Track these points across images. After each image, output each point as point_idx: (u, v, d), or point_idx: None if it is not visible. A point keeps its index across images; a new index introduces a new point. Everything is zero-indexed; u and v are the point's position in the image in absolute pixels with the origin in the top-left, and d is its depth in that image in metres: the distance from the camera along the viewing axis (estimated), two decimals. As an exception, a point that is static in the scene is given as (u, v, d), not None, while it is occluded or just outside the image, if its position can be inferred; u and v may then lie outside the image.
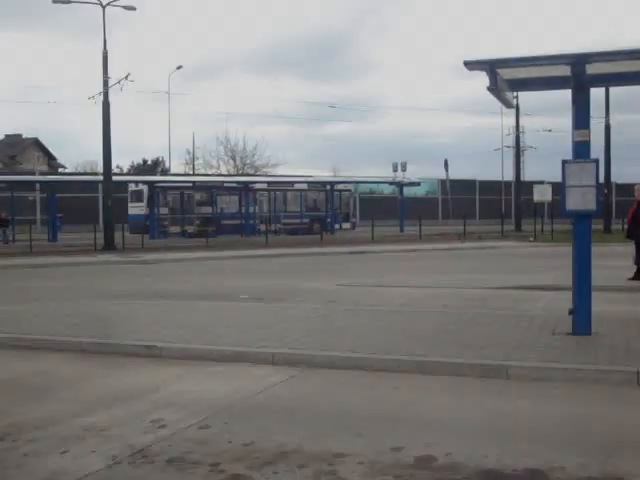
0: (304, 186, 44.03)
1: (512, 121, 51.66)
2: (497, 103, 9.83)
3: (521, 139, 54.19)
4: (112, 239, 30.24)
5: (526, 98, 49.91)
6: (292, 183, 44.83)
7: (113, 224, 30.66)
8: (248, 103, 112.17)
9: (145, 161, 77.76)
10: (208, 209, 40.59)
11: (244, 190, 41.36)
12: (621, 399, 6.72)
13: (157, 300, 13.51)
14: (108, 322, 10.82)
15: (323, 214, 43.56)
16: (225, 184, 42.83)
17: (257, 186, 42.73)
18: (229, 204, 41.44)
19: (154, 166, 74.47)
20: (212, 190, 41.28)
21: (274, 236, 37.37)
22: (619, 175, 55.96)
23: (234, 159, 65.23)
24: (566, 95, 9.09)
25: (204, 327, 10.08)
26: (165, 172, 63.27)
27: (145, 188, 39.65)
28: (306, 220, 42.29)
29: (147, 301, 13.39)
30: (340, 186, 45.78)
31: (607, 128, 42.70)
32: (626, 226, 16.80)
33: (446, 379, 7.45)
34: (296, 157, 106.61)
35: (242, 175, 44.65)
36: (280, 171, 62.90)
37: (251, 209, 40.90)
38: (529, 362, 7.62)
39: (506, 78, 8.91)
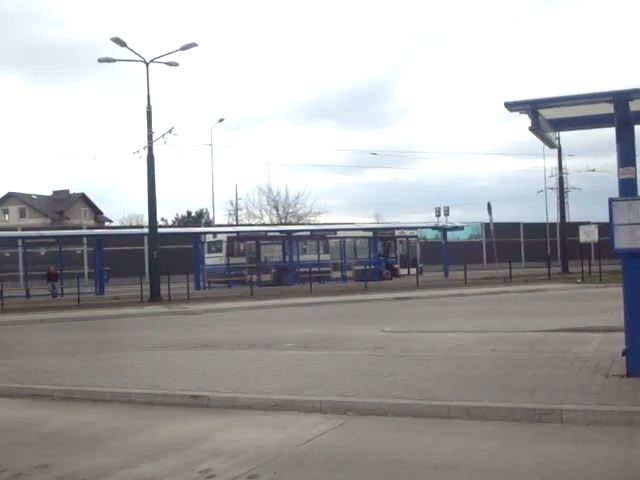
0: (371, 234, 44.83)
1: (554, 163, 51.46)
2: (538, 145, 9.88)
3: (564, 180, 53.78)
4: (158, 290, 30.50)
5: (568, 139, 49.71)
6: (361, 230, 45.96)
7: (159, 276, 30.96)
8: (289, 153, 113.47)
9: (189, 213, 78.83)
10: (283, 257, 41.50)
11: (316, 238, 42.42)
12: (682, 442, 6.50)
13: (203, 350, 13.55)
14: (156, 373, 10.84)
15: (393, 260, 44.46)
16: (295, 233, 43.17)
17: (328, 235, 43.74)
18: (301, 252, 42.02)
19: (198, 218, 75.43)
20: (284, 240, 41.91)
21: (341, 282, 38.38)
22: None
23: (277, 208, 65.77)
24: (608, 134, 9.02)
25: (250, 376, 10.05)
26: (209, 223, 63.95)
27: (225, 238, 40.24)
28: (376, 266, 42.52)
29: (194, 351, 13.43)
30: (407, 232, 46.54)
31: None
32: None
33: (498, 424, 7.30)
34: (338, 205, 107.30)
35: (299, 224, 44.46)
36: (322, 219, 63.18)
37: (323, 257, 41.49)
38: (583, 405, 7.42)
39: (548, 118, 8.88)
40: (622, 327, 9.05)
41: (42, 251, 38.10)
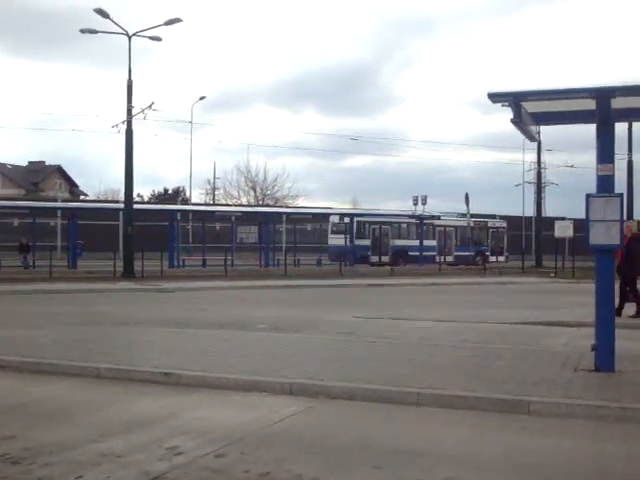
0: (471, 223, 48.68)
1: (533, 157, 51.76)
2: (518, 139, 9.89)
3: (542, 175, 54.10)
4: (132, 267, 30.34)
5: (547, 134, 49.99)
6: (462, 219, 49.24)
7: (133, 252, 30.77)
8: (270, 134, 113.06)
9: (166, 190, 78.31)
10: (401, 242, 44.32)
11: (425, 225, 45.47)
12: (646, 438, 6.58)
13: (175, 328, 13.50)
14: (125, 348, 10.78)
15: (486, 247, 48.73)
16: (411, 218, 46.14)
17: (436, 222, 46.78)
18: (413, 237, 45.10)
19: (175, 195, 74.95)
20: (401, 225, 45.42)
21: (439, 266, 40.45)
22: (640, 213, 55.74)
23: (254, 190, 65.53)
24: (587, 131, 9.06)
25: (221, 356, 10.04)
26: (185, 202, 63.59)
27: (354, 221, 43.38)
28: (472, 253, 46.94)
29: (165, 329, 13.37)
30: (498, 223, 51.08)
31: (630, 164, 42.58)
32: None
33: (466, 413, 7.34)
34: (316, 189, 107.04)
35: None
36: (300, 203, 63.10)
37: (431, 242, 44.79)
38: (551, 398, 7.49)
39: (530, 111, 8.88)
40: (592, 322, 9.13)
41: (15, 222, 37.66)
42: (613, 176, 8.83)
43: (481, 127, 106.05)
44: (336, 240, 43.16)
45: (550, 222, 41.37)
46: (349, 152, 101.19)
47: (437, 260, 42.94)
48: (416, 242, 43.75)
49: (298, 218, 44.41)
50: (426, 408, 7.54)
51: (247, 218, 43.43)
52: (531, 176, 56.88)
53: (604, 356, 8.79)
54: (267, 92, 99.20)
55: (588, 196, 8.79)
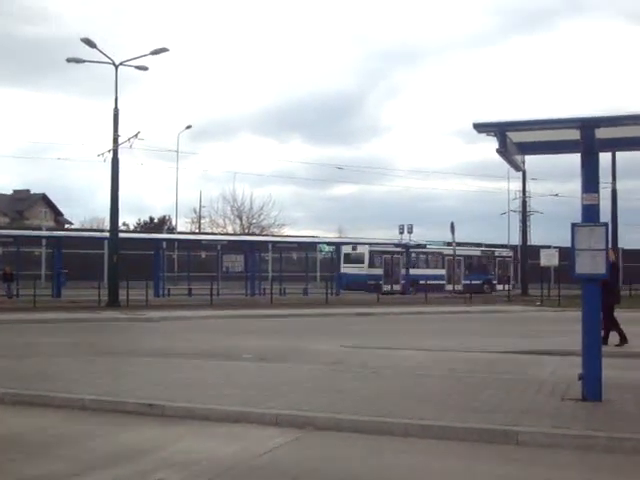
0: (479, 252, 51.42)
1: (518, 186, 52.04)
2: (503, 168, 9.98)
3: (527, 203, 54.40)
4: (117, 296, 30.12)
5: (532, 164, 50.35)
6: (471, 250, 51.75)
7: (118, 281, 30.59)
8: (256, 163, 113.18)
9: (152, 219, 78.05)
10: (412, 271, 45.07)
11: (438, 255, 47.72)
12: (635, 467, 6.55)
13: (160, 358, 13.37)
14: (110, 379, 10.65)
15: (492, 276, 50.39)
16: (425, 249, 48.13)
17: (445, 251, 47.62)
18: (424, 266, 46.98)
19: (161, 224, 74.69)
20: (412, 254, 46.43)
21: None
22: (626, 241, 56.25)
23: (240, 218, 65.50)
24: (572, 160, 9.12)
25: (207, 386, 9.95)
26: (171, 230, 63.41)
27: (366, 251, 45.08)
28: (480, 281, 48.45)
29: (150, 359, 13.25)
30: (504, 253, 52.79)
31: (614, 193, 42.85)
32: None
33: (454, 444, 7.29)
34: (302, 217, 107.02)
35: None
36: (286, 232, 63.09)
37: (441, 271, 46.50)
38: (539, 428, 7.45)
39: (515, 141, 8.94)
40: (579, 351, 9.12)
41: (-1, 250, 37.43)
42: (598, 205, 8.90)
43: (466, 156, 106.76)
44: (348, 269, 44.62)
45: (535, 250, 41.55)
46: (335, 181, 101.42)
47: (446, 288, 44.54)
48: (426, 271, 45.19)
49: (284, 247, 44.39)
50: (414, 439, 7.48)
51: (233, 247, 43.33)
52: (516, 204, 57.20)
53: (591, 385, 8.78)
54: (253, 121, 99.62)
55: (574, 225, 8.84)
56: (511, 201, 62.03)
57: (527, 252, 48.01)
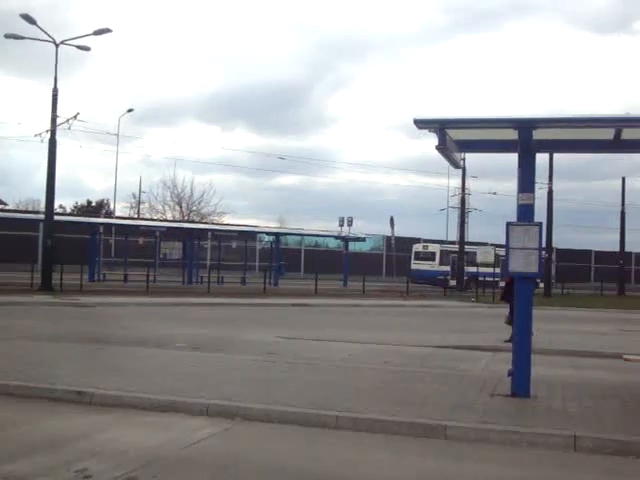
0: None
1: (459, 182, 52.65)
2: (444, 164, 9.96)
3: (466, 201, 55.12)
4: (50, 279, 29.49)
5: (472, 161, 50.89)
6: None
7: (52, 264, 29.95)
8: (199, 150, 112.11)
9: (89, 202, 76.65)
10: (472, 268, 46.12)
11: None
12: (557, 463, 6.68)
13: (91, 344, 13.14)
14: (38, 365, 10.41)
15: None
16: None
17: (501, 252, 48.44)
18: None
19: (98, 208, 73.48)
20: (474, 254, 47.43)
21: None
22: (560, 241, 57.52)
23: (180, 205, 64.86)
24: (511, 159, 9.24)
25: (138, 374, 9.81)
26: (109, 214, 62.45)
27: (437, 250, 49.64)
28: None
29: (81, 345, 13.01)
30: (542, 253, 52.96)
31: (550, 194, 43.82)
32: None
33: (385, 437, 7.33)
34: (244, 206, 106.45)
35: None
36: (226, 220, 62.66)
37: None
38: (467, 423, 7.55)
39: (455, 138, 9.02)
40: (509, 347, 9.27)
41: None
42: (533, 205, 9.04)
43: (409, 151, 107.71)
44: (419, 265, 49.11)
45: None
46: (279, 171, 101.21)
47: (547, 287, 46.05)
48: (484, 269, 45.76)
49: (223, 235, 44.13)
50: (344, 432, 7.50)
51: (171, 233, 42.89)
52: (456, 201, 57.86)
53: (520, 381, 8.94)
54: (198, 107, 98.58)
55: (509, 224, 8.96)
56: (450, 198, 62.79)
57: (464, 248, 48.70)
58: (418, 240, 62.99)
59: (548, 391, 9.44)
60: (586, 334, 19.58)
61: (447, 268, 48.89)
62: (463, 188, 50.88)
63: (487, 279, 43.55)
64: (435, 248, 50.40)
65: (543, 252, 49.62)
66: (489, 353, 13.85)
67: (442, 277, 46.52)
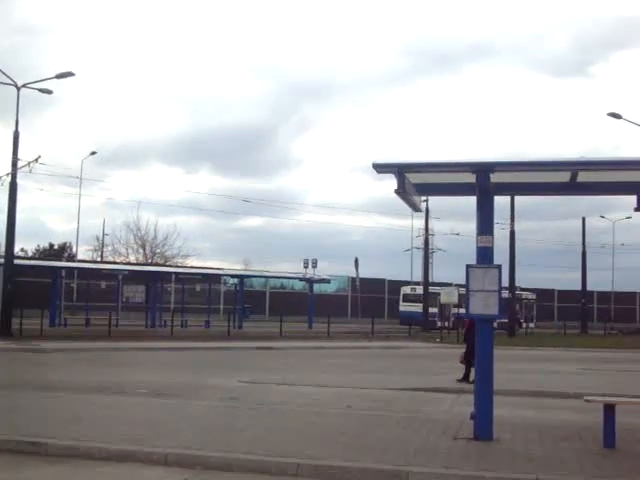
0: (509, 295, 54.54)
1: (422, 223, 53.11)
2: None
3: (431, 241, 55.59)
4: (9, 325, 28.91)
5: (436, 202, 51.50)
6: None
7: (12, 309, 29.40)
8: (163, 192, 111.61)
9: (52, 245, 75.76)
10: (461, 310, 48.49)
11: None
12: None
13: (49, 392, 12.84)
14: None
15: (519, 316, 54.77)
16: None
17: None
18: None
19: (61, 251, 72.60)
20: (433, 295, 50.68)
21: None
22: (524, 280, 58.27)
23: (144, 248, 64.27)
24: (473, 200, 9.31)
25: (96, 423, 9.59)
26: (72, 258, 61.72)
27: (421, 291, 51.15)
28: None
29: (37, 393, 12.70)
30: (529, 295, 58.77)
31: (512, 234, 44.33)
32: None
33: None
34: (209, 248, 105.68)
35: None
36: (191, 262, 62.24)
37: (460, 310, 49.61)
38: (431, 468, 7.48)
39: (414, 182, 9.08)
40: (472, 388, 9.24)
41: None
42: (492, 247, 9.10)
43: (373, 192, 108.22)
44: (407, 307, 50.76)
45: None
46: (243, 213, 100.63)
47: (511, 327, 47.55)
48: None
49: (187, 278, 43.82)
50: (306, 479, 7.38)
51: (134, 277, 42.46)
52: (420, 242, 58.25)
53: (482, 424, 8.90)
54: (162, 150, 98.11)
55: (468, 266, 9.01)
56: (415, 238, 63.22)
57: (429, 289, 48.94)
58: (383, 281, 63.23)
59: (511, 433, 9.42)
60: (550, 373, 19.69)
61: (435, 310, 50.37)
62: (426, 229, 51.34)
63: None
64: (421, 290, 51.76)
65: (505, 292, 51.51)
66: (453, 395, 13.81)
67: (432, 319, 48.23)
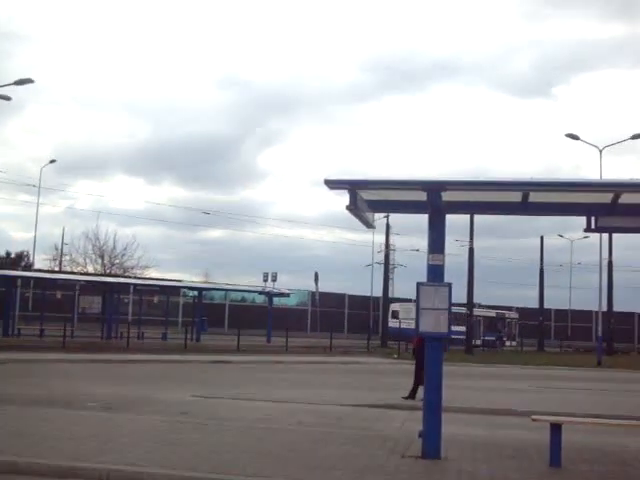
0: (494, 314, 59.95)
1: (383, 239, 53.29)
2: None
3: (392, 256, 55.84)
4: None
5: (397, 218, 51.91)
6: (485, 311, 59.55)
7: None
8: (125, 203, 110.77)
9: (9, 254, 74.55)
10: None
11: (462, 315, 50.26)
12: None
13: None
14: None
15: (503, 334, 58.95)
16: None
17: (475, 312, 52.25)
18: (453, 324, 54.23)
19: (18, 259, 71.49)
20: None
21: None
22: (483, 298, 58.98)
23: (102, 258, 63.48)
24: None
25: (40, 438, 9.39)
26: (29, 267, 60.79)
27: (399, 309, 51.50)
28: (493, 338, 56.61)
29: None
30: (512, 315, 62.08)
31: (471, 251, 44.71)
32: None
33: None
34: (170, 260, 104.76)
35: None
36: (150, 274, 61.64)
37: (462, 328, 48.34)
38: (375, 487, 7.44)
39: (367, 199, 9.08)
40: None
41: None
42: (443, 265, 9.12)
43: (335, 207, 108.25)
44: (394, 323, 50.31)
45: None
46: (205, 225, 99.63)
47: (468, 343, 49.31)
48: (453, 328, 49.72)
49: (146, 289, 43.39)
50: (250, 497, 7.30)
51: (91, 287, 41.93)
52: (381, 257, 58.45)
53: (430, 443, 8.89)
54: (125, 160, 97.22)
55: (419, 284, 9.03)
56: (376, 254, 63.42)
57: (388, 304, 49.10)
58: (343, 296, 63.36)
59: (459, 452, 9.42)
60: (503, 391, 19.83)
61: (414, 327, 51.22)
62: (387, 245, 51.60)
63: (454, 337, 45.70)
64: (411, 307, 51.67)
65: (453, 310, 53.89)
66: (406, 412, 13.78)
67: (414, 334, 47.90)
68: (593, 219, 9.40)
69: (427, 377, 9.04)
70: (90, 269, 61.56)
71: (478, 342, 53.26)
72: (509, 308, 65.06)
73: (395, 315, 53.31)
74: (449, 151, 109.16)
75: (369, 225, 9.94)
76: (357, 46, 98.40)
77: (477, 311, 55.57)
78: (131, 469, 7.80)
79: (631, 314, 70.42)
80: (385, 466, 8.43)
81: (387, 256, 51.68)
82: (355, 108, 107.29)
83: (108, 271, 60.53)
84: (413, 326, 40.99)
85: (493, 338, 57.19)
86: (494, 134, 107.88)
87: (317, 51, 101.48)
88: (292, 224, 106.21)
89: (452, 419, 11.51)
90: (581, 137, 40.19)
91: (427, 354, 9.11)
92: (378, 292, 59.09)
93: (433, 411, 8.91)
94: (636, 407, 16.30)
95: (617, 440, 10.73)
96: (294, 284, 62.89)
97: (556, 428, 8.96)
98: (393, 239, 56.71)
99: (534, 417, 9.49)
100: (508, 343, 57.94)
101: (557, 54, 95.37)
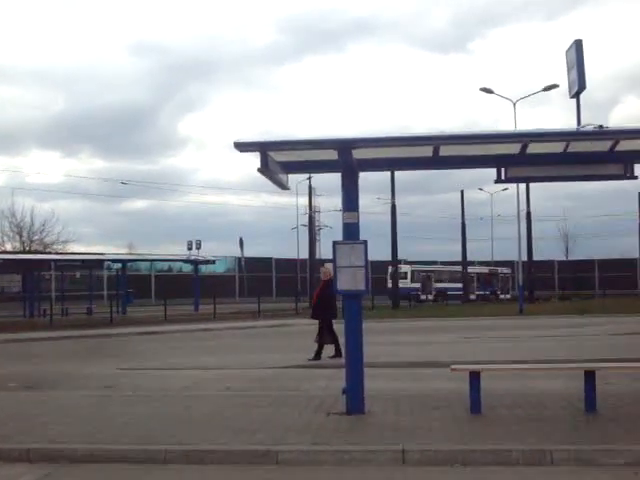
0: (487, 270, 66.39)
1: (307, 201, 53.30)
2: (292, 183, 9.91)
3: (317, 218, 55.96)
4: None
5: (321, 179, 51.96)
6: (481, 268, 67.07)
7: None
8: (41, 177, 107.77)
9: None
10: (441, 284, 59.80)
11: (458, 273, 59.61)
12: (386, 479, 6.75)
13: None
14: None
15: (496, 288, 64.53)
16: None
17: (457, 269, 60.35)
18: (448, 281, 60.65)
19: None
20: (441, 272, 63.16)
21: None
22: (409, 253, 59.82)
23: (20, 235, 61.78)
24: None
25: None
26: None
27: (409, 269, 57.69)
28: (488, 292, 62.34)
29: None
30: (505, 270, 65.77)
31: (393, 208, 45.21)
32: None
33: (216, 469, 7.17)
34: (92, 233, 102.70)
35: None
36: (71, 248, 60.31)
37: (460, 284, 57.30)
38: (299, 446, 7.51)
39: (278, 160, 9.02)
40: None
41: None
42: (358, 223, 9.16)
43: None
44: (404, 284, 53.16)
45: (323, 264, 42.72)
46: (128, 196, 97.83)
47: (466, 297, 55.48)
48: (451, 284, 58.29)
49: (67, 265, 42.49)
50: (174, 465, 7.28)
51: (10, 265, 40.80)
52: (307, 219, 58.56)
53: (354, 399, 9.01)
54: (40, 133, 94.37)
55: (335, 243, 9.06)
56: (301, 216, 63.52)
57: (315, 265, 49.23)
58: (270, 260, 63.37)
59: (383, 406, 9.56)
60: (429, 344, 20.16)
61: (418, 285, 57.23)
62: (310, 206, 51.69)
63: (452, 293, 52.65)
64: (407, 268, 57.31)
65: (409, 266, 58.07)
66: (331, 370, 13.87)
67: (414, 293, 53.36)
68: (503, 170, 9.55)
69: (347, 333, 9.11)
70: (9, 247, 59.83)
71: (473, 297, 58.30)
72: (434, 262, 67.55)
73: (404, 276, 56.01)
74: (371, 110, 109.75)
75: (283, 187, 9.88)
76: (275, 6, 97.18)
77: (472, 268, 61.86)
78: (51, 446, 7.67)
79: (551, 262, 72.76)
80: (309, 425, 8.50)
81: (311, 218, 51.76)
82: (275, 70, 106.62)
83: (27, 248, 58.93)
84: (401, 285, 48.77)
85: (487, 292, 62.09)
86: (415, 91, 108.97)
87: (234, 12, 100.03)
88: (216, 190, 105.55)
89: (378, 374, 11.69)
90: (495, 91, 40.87)
91: (346, 311, 9.17)
92: (305, 254, 59.42)
93: (354, 367, 9.01)
94: (554, 351, 16.92)
95: (538, 385, 11.05)
96: (220, 251, 62.56)
97: (475, 376, 9.17)
98: (317, 201, 56.87)
99: (453, 367, 9.69)
100: (502, 296, 61.80)
101: (473, 9, 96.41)
